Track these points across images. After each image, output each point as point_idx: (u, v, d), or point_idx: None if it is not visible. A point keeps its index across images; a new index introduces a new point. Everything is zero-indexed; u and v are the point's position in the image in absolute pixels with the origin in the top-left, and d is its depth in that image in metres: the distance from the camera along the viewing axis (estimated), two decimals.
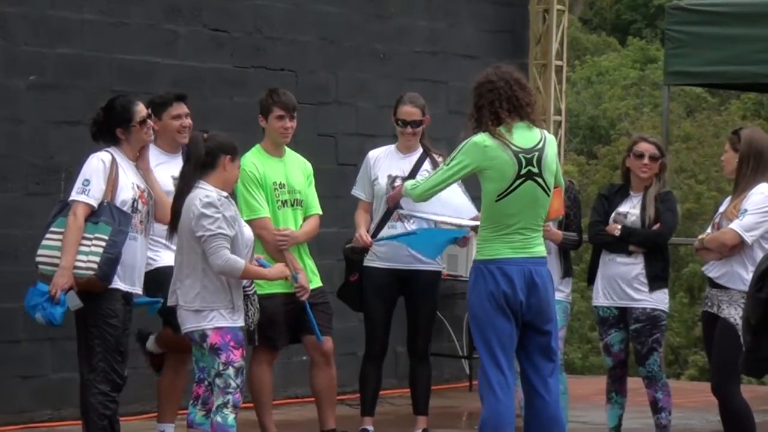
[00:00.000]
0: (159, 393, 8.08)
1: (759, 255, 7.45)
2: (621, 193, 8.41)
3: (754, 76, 9.21)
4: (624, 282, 8.24)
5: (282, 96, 8.36)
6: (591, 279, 8.48)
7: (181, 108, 8.09)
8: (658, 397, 8.34)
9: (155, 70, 9.92)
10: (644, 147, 8.29)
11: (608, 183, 8.52)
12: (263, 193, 8.26)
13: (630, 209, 8.32)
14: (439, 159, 8.56)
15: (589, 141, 29.73)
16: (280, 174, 8.36)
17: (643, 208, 8.27)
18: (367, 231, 8.56)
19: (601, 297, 8.40)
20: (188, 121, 8.01)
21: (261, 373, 8.35)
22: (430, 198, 7.22)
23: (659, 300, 8.28)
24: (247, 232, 7.29)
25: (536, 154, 7.02)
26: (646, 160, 8.24)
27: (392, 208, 8.47)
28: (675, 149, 18.12)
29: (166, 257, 7.80)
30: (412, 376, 8.76)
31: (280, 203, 8.31)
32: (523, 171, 6.99)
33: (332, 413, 8.49)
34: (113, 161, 7.55)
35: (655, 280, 8.23)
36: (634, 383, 8.65)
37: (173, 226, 7.18)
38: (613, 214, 8.33)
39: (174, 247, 7.38)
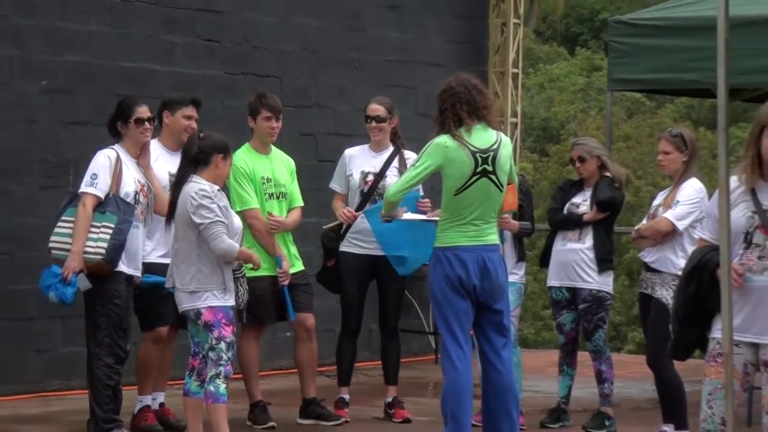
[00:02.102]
0: (137, 368, 8.05)
1: (687, 243, 7.53)
2: (576, 187, 8.50)
3: (686, 83, 9.26)
4: (576, 265, 8.29)
5: (270, 99, 8.37)
6: (545, 263, 8.53)
7: (193, 111, 8.10)
8: (602, 369, 8.39)
9: (154, 76, 9.90)
10: (572, 153, 8.45)
11: (565, 179, 8.58)
12: (253, 187, 8.27)
13: (581, 200, 8.41)
14: (410, 158, 8.61)
15: (542, 140, 29.78)
16: (267, 170, 8.37)
17: (592, 198, 8.37)
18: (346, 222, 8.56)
19: (554, 279, 8.44)
20: (195, 125, 8.00)
21: (249, 347, 8.37)
22: (402, 196, 7.26)
23: (604, 283, 8.33)
24: (237, 221, 7.30)
25: (491, 154, 7.07)
26: (578, 164, 8.37)
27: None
28: (617, 148, 18.17)
29: None
30: (383, 350, 8.77)
31: (267, 196, 8.33)
32: (479, 169, 7.04)
33: (313, 383, 8.51)
34: (118, 158, 7.57)
35: (603, 263, 8.28)
36: (582, 357, 8.70)
37: (170, 215, 7.20)
38: (567, 204, 8.42)
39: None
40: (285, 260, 8.20)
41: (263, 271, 8.09)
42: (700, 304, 5.53)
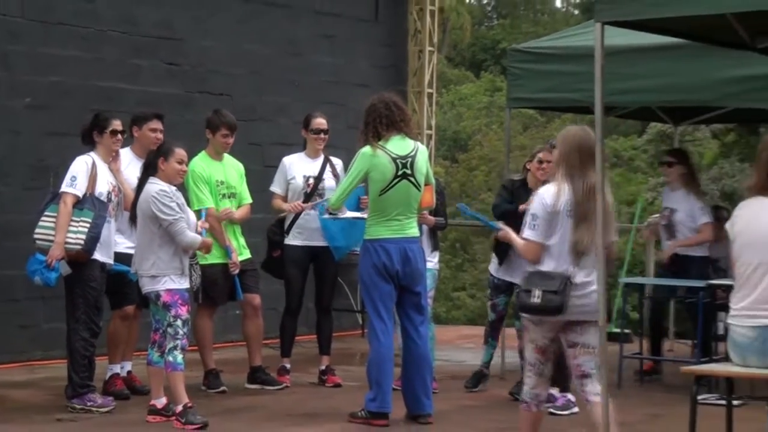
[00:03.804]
0: (107, 341, 8.00)
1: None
2: (524, 187, 8.14)
3: (571, 101, 9.33)
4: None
5: (228, 117, 8.36)
6: (500, 254, 8.28)
7: (158, 124, 8.06)
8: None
9: (123, 94, 9.84)
10: (541, 155, 8.08)
11: (508, 179, 8.38)
12: (209, 188, 8.27)
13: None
14: (337, 164, 8.65)
15: (453, 149, 29.87)
16: (221, 174, 8.37)
17: None
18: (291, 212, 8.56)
19: (502, 272, 8.30)
20: (161, 136, 7.97)
21: (203, 323, 8.36)
22: (344, 201, 7.31)
23: None
24: (192, 217, 7.31)
25: (410, 159, 7.14)
26: (544, 165, 7.97)
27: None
28: (514, 156, 18.27)
29: None
30: (318, 325, 8.77)
31: (221, 196, 8.33)
32: (399, 173, 7.10)
33: (258, 353, 8.52)
34: (93, 163, 7.55)
35: None
36: (509, 332, 8.70)
37: (134, 216, 7.19)
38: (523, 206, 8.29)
39: None
40: (234, 252, 8.21)
41: (217, 259, 8.10)
42: None
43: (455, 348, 10.75)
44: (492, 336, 8.53)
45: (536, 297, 5.69)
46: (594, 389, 5.74)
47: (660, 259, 9.72)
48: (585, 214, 5.68)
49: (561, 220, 5.74)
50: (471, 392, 8.46)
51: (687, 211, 9.09)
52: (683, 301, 9.49)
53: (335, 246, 8.45)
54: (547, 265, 5.77)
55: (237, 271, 8.21)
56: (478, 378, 8.56)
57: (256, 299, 8.40)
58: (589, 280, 5.72)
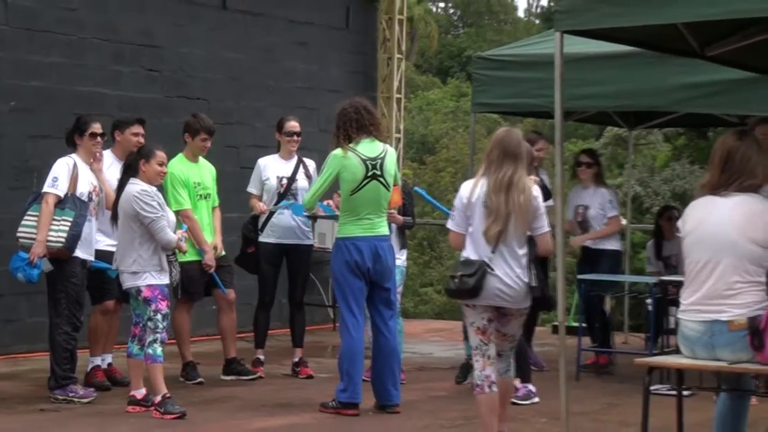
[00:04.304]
0: (88, 334, 7.96)
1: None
2: None
3: (532, 106, 9.35)
4: None
5: (206, 122, 8.34)
6: None
7: (139, 128, 8.03)
8: None
9: (105, 99, 9.79)
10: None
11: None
12: (186, 190, 8.23)
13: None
14: (310, 165, 8.64)
15: (420, 152, 29.93)
16: (198, 176, 8.34)
17: None
18: (261, 213, 8.56)
19: None
20: (142, 140, 7.94)
21: (181, 317, 8.33)
22: (317, 201, 7.30)
23: None
24: (171, 216, 7.28)
25: (379, 161, 7.13)
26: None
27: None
28: (478, 158, 18.39)
29: None
30: (291, 319, 8.76)
31: (198, 197, 8.30)
32: (369, 173, 7.10)
33: (233, 346, 8.50)
34: (75, 164, 7.51)
35: None
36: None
37: (115, 215, 7.15)
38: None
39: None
40: (207, 254, 8.16)
41: (195, 256, 8.08)
42: None
43: (423, 341, 10.77)
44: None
45: (455, 282, 5.86)
46: (501, 367, 6.04)
47: (573, 250, 9.80)
48: (498, 205, 5.87)
49: (477, 211, 5.90)
50: (460, 384, 8.37)
51: (599, 206, 9.18)
52: (636, 297, 9.54)
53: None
54: (468, 253, 5.92)
55: (212, 270, 8.19)
56: (467, 370, 8.54)
57: (231, 294, 8.39)
58: (514, 270, 5.86)
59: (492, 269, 5.84)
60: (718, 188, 5.13)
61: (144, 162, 7.09)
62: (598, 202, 9.18)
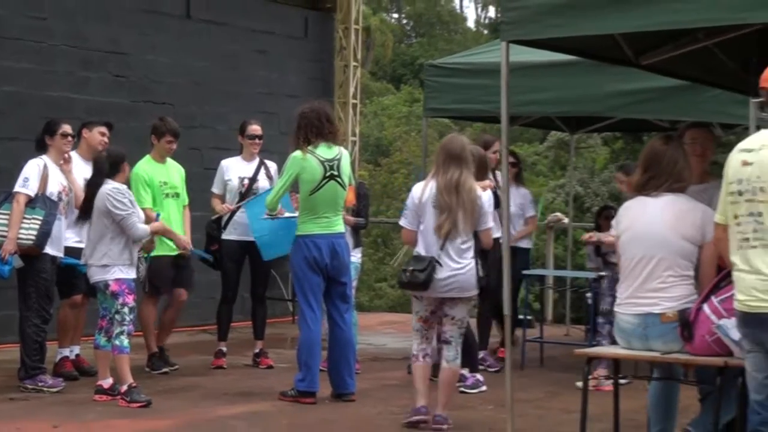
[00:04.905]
0: (57, 327, 7.88)
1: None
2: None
3: (480, 112, 9.40)
4: None
5: (172, 125, 8.30)
6: None
7: (106, 131, 7.97)
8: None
9: (73, 103, 9.71)
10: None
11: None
12: (151, 190, 8.17)
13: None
14: (271, 166, 8.61)
15: (375, 154, 29.94)
16: (165, 175, 8.29)
17: None
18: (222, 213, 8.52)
19: None
20: (107, 141, 7.88)
21: (147, 310, 8.28)
22: (278, 201, 7.27)
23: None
24: (140, 212, 7.24)
25: (336, 162, 7.14)
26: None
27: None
28: (430, 161, 18.44)
29: None
30: (253, 312, 8.73)
31: (164, 195, 8.25)
32: (327, 174, 7.10)
33: (165, 339, 8.39)
34: (45, 165, 7.45)
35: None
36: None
37: (84, 213, 7.08)
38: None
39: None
40: (179, 239, 8.04)
41: (163, 251, 8.02)
42: None
43: (377, 333, 10.78)
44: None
45: (407, 275, 6.22)
46: (449, 355, 6.36)
47: None
48: (447, 205, 6.23)
49: (427, 210, 6.26)
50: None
51: (519, 205, 9.21)
52: (576, 291, 9.61)
53: (261, 242, 8.21)
54: (419, 249, 6.30)
55: (188, 249, 8.06)
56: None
57: (184, 295, 8.36)
58: (459, 263, 6.23)
59: (440, 264, 6.19)
60: (643, 189, 5.22)
61: (126, 164, 7.08)
62: (518, 202, 9.17)
